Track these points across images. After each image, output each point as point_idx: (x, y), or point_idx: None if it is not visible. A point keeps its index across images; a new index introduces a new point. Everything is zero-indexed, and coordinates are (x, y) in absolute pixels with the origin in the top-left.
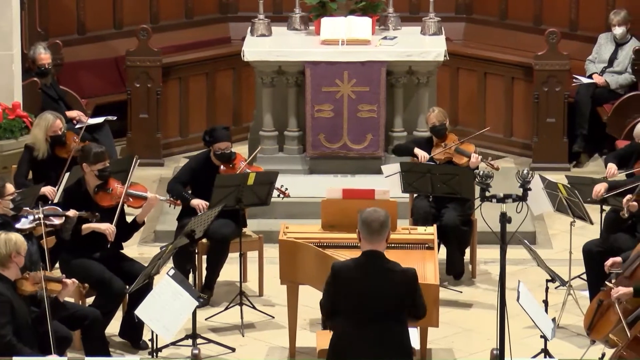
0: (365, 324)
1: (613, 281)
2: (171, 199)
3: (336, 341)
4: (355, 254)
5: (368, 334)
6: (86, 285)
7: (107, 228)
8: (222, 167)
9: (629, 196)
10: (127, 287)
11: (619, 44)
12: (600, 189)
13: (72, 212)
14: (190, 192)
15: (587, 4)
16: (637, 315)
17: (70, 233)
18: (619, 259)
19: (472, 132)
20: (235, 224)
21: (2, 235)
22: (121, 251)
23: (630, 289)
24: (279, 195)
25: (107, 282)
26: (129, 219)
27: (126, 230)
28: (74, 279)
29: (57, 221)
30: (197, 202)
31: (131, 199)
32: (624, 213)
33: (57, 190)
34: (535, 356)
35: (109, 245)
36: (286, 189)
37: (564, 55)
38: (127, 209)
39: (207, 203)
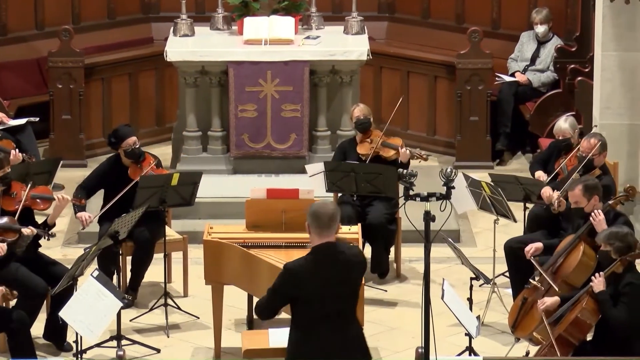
0: (322, 319)
1: (537, 279)
2: (75, 197)
3: (297, 339)
4: (279, 253)
5: (327, 329)
6: (14, 292)
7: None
8: (130, 169)
9: (557, 193)
10: (51, 288)
11: (541, 42)
12: (549, 193)
13: (28, 230)
14: (104, 194)
15: (509, 2)
16: (560, 314)
17: (23, 250)
18: (539, 244)
19: (396, 130)
20: (159, 224)
21: None
22: (40, 251)
23: (557, 299)
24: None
25: (27, 281)
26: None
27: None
28: (1, 287)
29: (9, 238)
30: (80, 215)
31: (38, 201)
32: (555, 208)
33: None
34: (460, 354)
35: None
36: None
37: (486, 53)
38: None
39: (90, 215)
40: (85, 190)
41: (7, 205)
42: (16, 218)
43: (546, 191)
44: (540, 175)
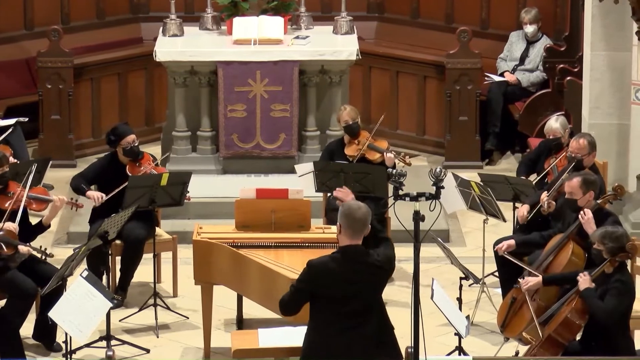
0: (346, 320)
1: (526, 278)
2: (73, 201)
3: (314, 339)
4: (268, 253)
5: (347, 330)
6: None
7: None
8: (128, 166)
9: (545, 194)
10: (40, 289)
11: (530, 42)
12: (523, 212)
13: (25, 249)
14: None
15: (498, 2)
16: (550, 314)
17: (17, 265)
18: (512, 241)
19: (385, 131)
20: (148, 224)
21: None
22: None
23: (539, 279)
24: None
25: (17, 282)
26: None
27: (30, 232)
28: None
29: (5, 252)
30: (91, 194)
31: (33, 203)
32: (545, 210)
33: None
34: (449, 354)
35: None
36: (188, 191)
37: (475, 53)
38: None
39: (103, 195)
40: (84, 179)
41: (2, 204)
42: (16, 221)
43: (520, 211)
44: (522, 210)
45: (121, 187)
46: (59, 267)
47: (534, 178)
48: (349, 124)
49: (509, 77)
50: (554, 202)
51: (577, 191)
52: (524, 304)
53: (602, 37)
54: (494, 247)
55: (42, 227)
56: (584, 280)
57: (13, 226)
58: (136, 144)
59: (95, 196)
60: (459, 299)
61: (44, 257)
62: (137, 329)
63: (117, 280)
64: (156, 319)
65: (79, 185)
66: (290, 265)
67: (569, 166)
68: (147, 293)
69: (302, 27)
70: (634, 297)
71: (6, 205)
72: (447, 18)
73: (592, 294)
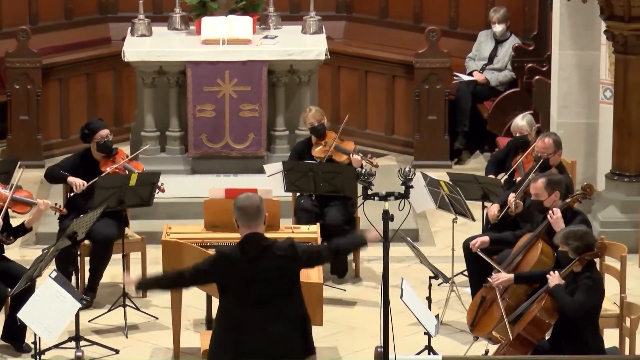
0: (252, 304)
1: (496, 274)
2: (56, 206)
3: (224, 322)
4: None
5: (256, 315)
6: None
7: None
8: (101, 162)
9: (512, 195)
10: (9, 289)
11: (499, 41)
12: (494, 211)
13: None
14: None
15: (467, 2)
16: (519, 313)
17: None
18: (486, 237)
19: (354, 130)
20: (117, 225)
21: None
22: (2, 254)
23: (511, 276)
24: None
25: None
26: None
27: (11, 234)
28: None
29: None
30: (73, 180)
31: (16, 204)
32: (512, 210)
33: None
34: (419, 353)
35: None
36: (162, 183)
37: (444, 53)
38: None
39: (84, 182)
40: (61, 169)
41: None
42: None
43: (491, 210)
44: (494, 210)
45: (97, 179)
46: (28, 267)
47: (502, 176)
48: (314, 126)
49: (477, 76)
50: (521, 203)
51: (542, 192)
52: (493, 303)
53: (570, 37)
54: (463, 246)
55: (24, 230)
56: (554, 277)
57: None
58: (110, 139)
59: (77, 183)
60: (429, 298)
61: (6, 242)
62: (106, 329)
63: (86, 280)
64: (125, 319)
65: (57, 172)
66: None
67: (536, 166)
68: (117, 293)
69: (270, 27)
70: (603, 295)
71: None
72: (415, 17)
73: (561, 289)
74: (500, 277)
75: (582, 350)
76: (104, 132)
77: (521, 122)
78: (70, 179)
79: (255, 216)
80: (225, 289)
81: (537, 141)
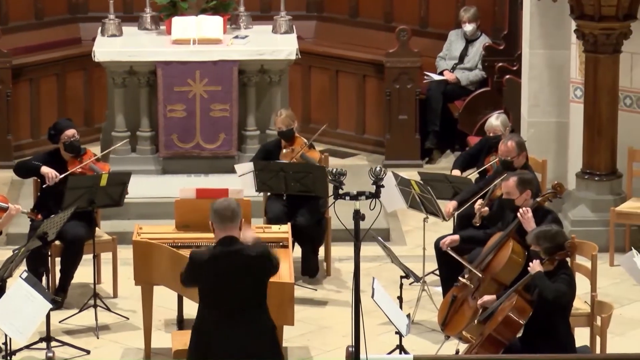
0: (225, 310)
1: (466, 276)
2: (31, 212)
3: (199, 326)
4: None
5: (229, 320)
6: None
7: None
8: (69, 162)
9: (480, 202)
10: None
11: (469, 40)
12: (449, 208)
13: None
14: (40, 189)
15: (437, 1)
16: (490, 312)
17: None
18: (456, 236)
19: (325, 130)
20: (88, 225)
21: None
22: None
23: (494, 297)
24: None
25: None
26: None
27: None
28: None
29: None
30: (47, 170)
31: None
32: (476, 221)
33: None
34: (390, 352)
35: None
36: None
37: (414, 52)
38: None
39: (57, 174)
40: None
41: None
42: None
43: (447, 207)
44: (450, 205)
45: (63, 175)
46: None
47: (471, 173)
48: (282, 130)
49: (448, 75)
50: (487, 209)
51: (514, 191)
52: (464, 302)
53: (540, 36)
54: (434, 246)
55: None
56: (535, 264)
57: None
58: (76, 139)
59: (51, 174)
60: (400, 298)
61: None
62: (77, 330)
63: (57, 281)
64: (96, 319)
65: (29, 163)
66: None
67: (498, 171)
68: (87, 294)
69: (241, 27)
70: (575, 293)
71: None
72: (386, 17)
73: (543, 275)
74: (485, 298)
75: (555, 349)
76: (70, 132)
77: (495, 122)
78: (44, 169)
79: (231, 219)
80: (200, 292)
81: (499, 146)
